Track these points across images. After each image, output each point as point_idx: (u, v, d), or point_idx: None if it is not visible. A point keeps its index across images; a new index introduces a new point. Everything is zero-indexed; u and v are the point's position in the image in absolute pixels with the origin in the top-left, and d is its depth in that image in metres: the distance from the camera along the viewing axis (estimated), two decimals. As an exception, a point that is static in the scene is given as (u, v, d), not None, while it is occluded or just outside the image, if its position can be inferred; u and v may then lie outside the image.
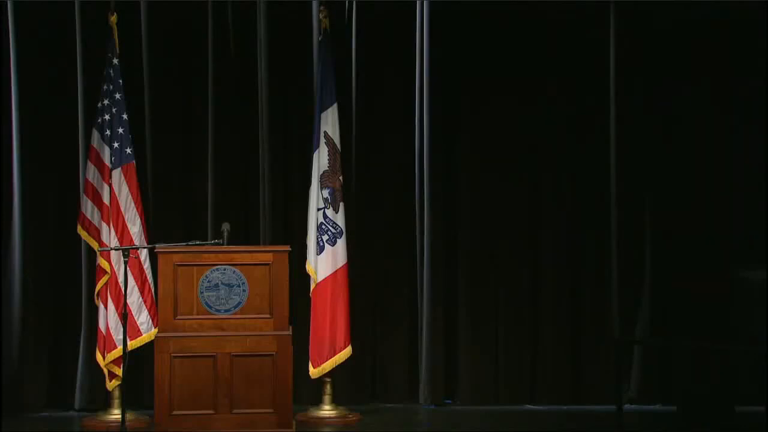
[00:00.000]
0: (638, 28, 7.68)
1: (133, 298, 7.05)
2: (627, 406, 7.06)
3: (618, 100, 7.69)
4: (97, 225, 7.17)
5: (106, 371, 7.09)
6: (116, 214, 7.09)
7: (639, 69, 7.68)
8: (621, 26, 7.67)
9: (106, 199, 7.13)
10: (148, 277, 7.13)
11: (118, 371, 7.00)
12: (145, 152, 7.55)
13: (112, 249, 6.96)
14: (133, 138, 7.21)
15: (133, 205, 7.12)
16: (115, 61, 7.17)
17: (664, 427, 7.00)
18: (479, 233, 7.70)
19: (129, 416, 6.73)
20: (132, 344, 6.96)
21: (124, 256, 6.53)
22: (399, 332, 7.74)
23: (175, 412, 6.37)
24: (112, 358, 7.03)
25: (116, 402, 7.11)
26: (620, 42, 7.68)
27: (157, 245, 6.59)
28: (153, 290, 7.09)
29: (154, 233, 7.25)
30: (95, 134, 7.22)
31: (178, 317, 6.44)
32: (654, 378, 7.54)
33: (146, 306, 7.11)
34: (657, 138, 7.64)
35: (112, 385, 7.12)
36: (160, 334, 6.46)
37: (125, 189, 7.12)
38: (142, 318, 7.10)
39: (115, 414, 7.04)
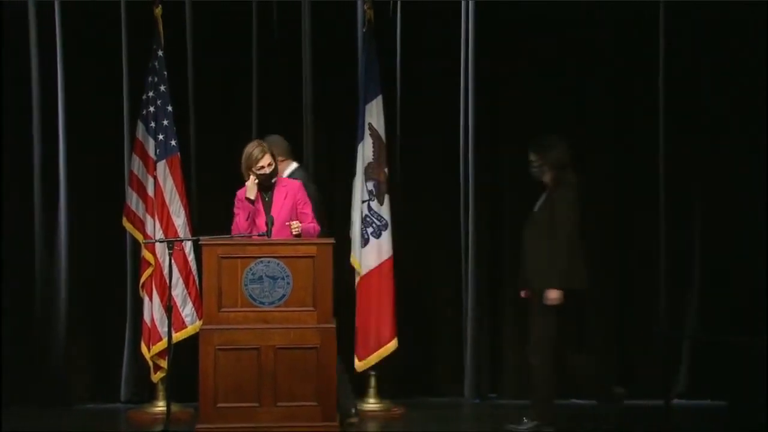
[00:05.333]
0: (688, 26, 7.57)
1: (178, 290, 7.04)
2: (676, 401, 6.95)
3: (667, 91, 7.59)
4: (141, 217, 7.18)
5: (151, 363, 7.11)
6: (161, 206, 7.09)
7: (688, 66, 7.58)
8: (670, 24, 7.57)
9: (150, 192, 7.14)
10: (192, 270, 7.12)
11: (163, 363, 7.02)
12: (190, 144, 7.53)
13: (156, 241, 6.96)
14: (178, 130, 7.19)
15: (177, 197, 7.11)
16: (160, 52, 7.15)
17: (713, 423, 6.88)
18: (523, 224, 7.47)
19: (174, 408, 6.70)
20: (177, 336, 6.96)
21: (169, 248, 6.52)
22: (444, 325, 7.70)
23: (219, 405, 6.32)
24: (157, 350, 7.04)
25: (161, 394, 7.13)
26: (670, 40, 7.58)
27: (201, 237, 6.54)
28: (197, 282, 7.07)
29: (198, 225, 7.23)
30: (140, 126, 7.22)
31: (223, 310, 6.39)
32: (703, 373, 7.43)
33: (191, 298, 7.10)
34: (707, 129, 7.54)
35: (157, 377, 7.13)
36: (204, 327, 6.42)
37: (170, 181, 7.11)
38: (187, 310, 7.10)
39: (160, 406, 7.04)
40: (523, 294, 6.66)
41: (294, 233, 6.56)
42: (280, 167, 6.78)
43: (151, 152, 7.15)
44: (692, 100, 7.60)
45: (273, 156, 6.62)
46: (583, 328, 7.29)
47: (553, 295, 6.34)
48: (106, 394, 7.55)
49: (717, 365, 7.26)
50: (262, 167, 6.58)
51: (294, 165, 7.00)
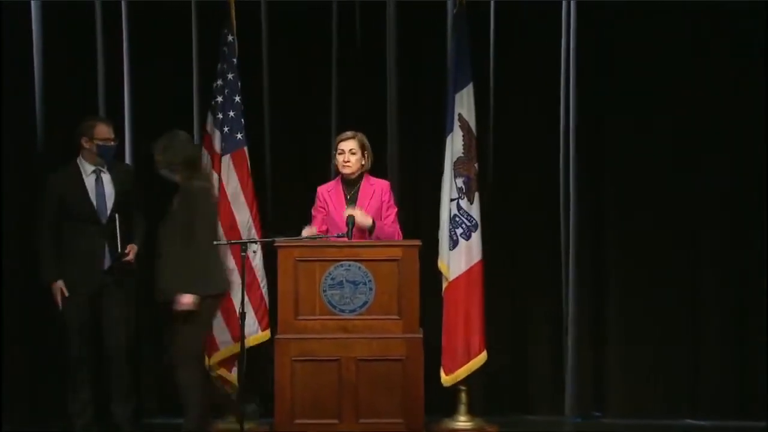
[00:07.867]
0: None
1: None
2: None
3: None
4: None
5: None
6: (224, 204, 6.67)
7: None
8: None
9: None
10: (257, 275, 6.73)
11: (229, 376, 6.69)
12: (264, 138, 7.21)
13: (230, 243, 6.47)
14: (248, 122, 6.81)
15: (242, 194, 6.70)
16: (230, 38, 6.76)
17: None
18: (630, 225, 7.19)
19: (248, 424, 6.42)
20: (234, 348, 6.57)
21: (242, 250, 6.08)
22: (541, 336, 7.30)
23: (297, 421, 6.03)
24: (216, 361, 6.67)
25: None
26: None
27: (276, 239, 6.17)
28: (263, 288, 6.71)
29: (271, 226, 6.91)
30: (209, 117, 6.87)
31: (299, 317, 6.07)
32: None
33: (252, 306, 6.69)
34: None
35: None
36: (280, 336, 6.09)
37: (234, 177, 6.72)
38: (249, 319, 6.59)
39: (233, 422, 6.64)
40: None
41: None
42: None
43: (217, 146, 6.77)
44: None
45: (362, 149, 6.39)
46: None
47: (186, 300, 5.94)
48: (176, 408, 7.13)
49: None
50: (343, 151, 6.37)
51: None
